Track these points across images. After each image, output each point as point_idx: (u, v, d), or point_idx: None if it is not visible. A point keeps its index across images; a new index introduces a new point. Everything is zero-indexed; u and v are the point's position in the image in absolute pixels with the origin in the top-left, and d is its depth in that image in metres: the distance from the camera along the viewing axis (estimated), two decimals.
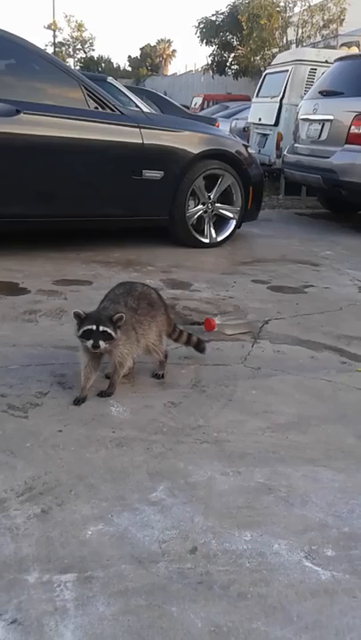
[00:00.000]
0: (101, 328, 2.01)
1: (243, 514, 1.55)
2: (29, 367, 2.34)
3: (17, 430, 1.88)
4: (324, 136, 5.92)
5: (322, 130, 5.96)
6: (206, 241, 4.65)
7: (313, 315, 3.24)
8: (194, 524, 1.49)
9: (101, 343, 2.01)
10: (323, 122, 5.95)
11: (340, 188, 5.59)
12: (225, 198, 4.69)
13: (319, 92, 6.23)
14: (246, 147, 4.91)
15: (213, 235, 4.69)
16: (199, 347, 2.50)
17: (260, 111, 8.82)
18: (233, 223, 4.76)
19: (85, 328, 2.03)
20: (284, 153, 6.75)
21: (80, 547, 1.38)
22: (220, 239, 4.72)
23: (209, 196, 4.59)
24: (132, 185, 4.19)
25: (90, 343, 2.01)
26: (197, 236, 4.60)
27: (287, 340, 2.85)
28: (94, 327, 2.01)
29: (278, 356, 2.66)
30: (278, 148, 7.82)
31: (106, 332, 2.02)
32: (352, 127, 5.53)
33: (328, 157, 5.67)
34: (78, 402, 2.09)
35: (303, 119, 6.39)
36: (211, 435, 1.94)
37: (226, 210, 4.71)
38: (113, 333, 2.03)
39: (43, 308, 3.03)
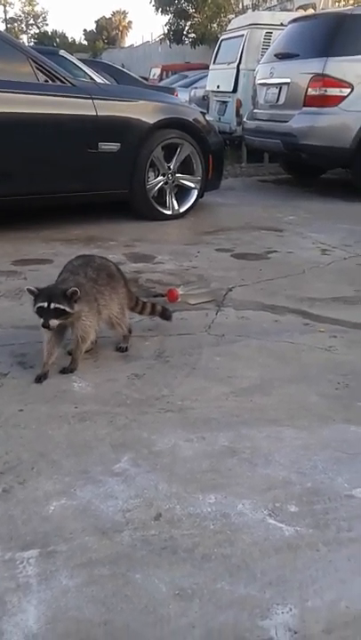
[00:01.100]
0: (53, 305, 1.97)
1: (207, 477, 1.55)
2: None
3: None
4: (282, 100, 5.87)
5: (279, 94, 5.91)
6: (168, 213, 4.60)
7: (276, 279, 3.24)
8: (158, 491, 1.49)
9: (52, 322, 1.98)
10: (280, 85, 5.89)
11: (300, 151, 5.57)
12: (185, 168, 4.63)
13: (275, 56, 6.16)
14: (204, 114, 4.85)
15: (175, 206, 4.64)
16: (165, 314, 2.49)
17: (217, 78, 8.71)
18: (195, 193, 4.71)
19: (38, 305, 2.00)
20: (244, 119, 6.69)
21: (42, 522, 1.37)
22: (182, 210, 4.67)
23: (169, 167, 4.53)
24: (89, 159, 4.10)
25: (41, 322, 1.98)
26: (159, 209, 4.55)
27: (251, 305, 2.85)
28: (46, 304, 1.98)
29: (242, 321, 2.66)
30: (238, 115, 7.75)
31: (58, 308, 1.98)
32: (309, 89, 5.48)
33: (287, 121, 5.63)
34: (40, 379, 2.06)
35: (261, 84, 6.32)
36: (175, 403, 1.94)
37: (187, 180, 4.66)
38: (67, 309, 2.00)
39: (1, 289, 2.98)
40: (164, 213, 4.56)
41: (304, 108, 5.53)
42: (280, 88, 5.90)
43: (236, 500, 1.47)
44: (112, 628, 1.11)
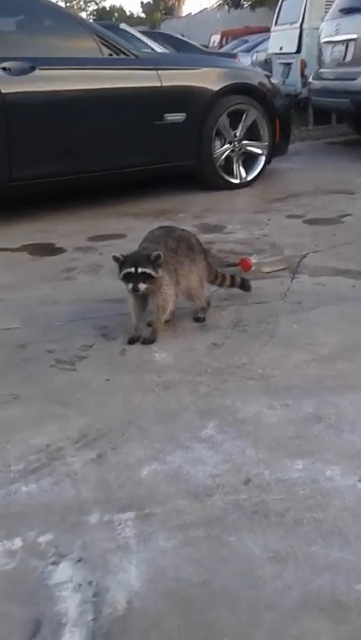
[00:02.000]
0: (140, 270, 2.02)
1: (293, 444, 1.56)
2: (73, 322, 2.37)
3: (67, 383, 1.92)
4: (349, 57, 5.63)
5: (346, 51, 5.66)
6: (236, 181, 4.55)
7: (352, 243, 3.16)
8: (245, 456, 1.51)
9: (141, 285, 2.03)
10: (346, 42, 5.65)
11: None
12: (252, 134, 4.55)
13: (340, 11, 5.89)
14: (269, 77, 4.74)
15: (243, 174, 4.58)
16: (244, 285, 2.50)
17: (280, 40, 8.44)
18: (262, 160, 4.63)
19: (125, 271, 2.05)
20: (310, 80, 6.47)
21: (136, 486, 1.42)
22: (250, 178, 4.60)
23: (235, 134, 4.46)
24: (155, 131, 4.09)
25: (130, 286, 2.03)
26: (227, 178, 4.50)
27: (326, 271, 2.79)
28: (133, 270, 2.03)
29: (318, 288, 2.62)
30: (303, 76, 7.51)
31: (145, 272, 2.03)
32: None
33: (355, 79, 5.40)
34: (132, 341, 2.15)
35: (326, 42, 6.08)
36: (256, 371, 1.94)
37: (254, 146, 4.57)
38: (153, 273, 2.04)
39: (80, 266, 3.05)
40: (231, 182, 4.51)
41: None
42: (347, 45, 5.65)
43: (325, 465, 1.47)
44: (211, 588, 1.15)
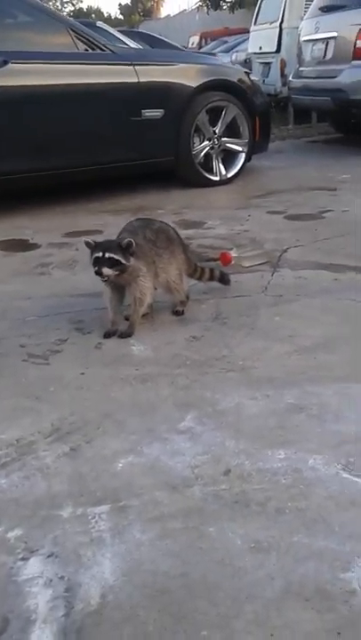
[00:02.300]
0: (107, 255, 1.98)
1: (275, 434, 1.51)
2: (46, 317, 2.30)
3: (39, 377, 1.86)
4: (329, 55, 5.63)
5: (326, 49, 5.67)
6: (216, 179, 4.51)
7: (333, 238, 3.13)
8: (225, 447, 1.46)
9: (105, 270, 1.98)
10: (326, 40, 5.66)
11: (350, 107, 5.35)
12: (231, 131, 4.52)
13: (319, 9, 5.91)
14: (248, 74, 4.71)
15: (223, 171, 4.54)
16: (223, 279, 2.46)
17: (259, 39, 8.45)
18: (242, 157, 4.60)
19: (94, 256, 2.00)
20: (290, 79, 6.48)
21: (112, 479, 1.36)
22: (230, 175, 4.57)
23: (214, 131, 4.43)
24: (133, 127, 4.04)
25: (94, 270, 1.99)
26: (206, 175, 4.46)
27: (308, 265, 2.76)
28: (101, 254, 1.98)
29: (300, 282, 2.58)
30: (283, 75, 7.52)
31: (112, 258, 1.98)
32: (358, 41, 5.25)
33: (336, 77, 5.41)
34: (109, 335, 2.09)
35: (306, 40, 6.08)
36: (236, 363, 1.90)
37: (233, 143, 4.54)
38: (122, 260, 1.99)
39: (55, 261, 2.99)
40: (211, 180, 4.48)
41: (353, 62, 5.31)
42: (327, 43, 5.66)
43: (307, 455, 1.42)
44: (189, 580, 1.09)
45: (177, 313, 2.29)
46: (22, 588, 1.09)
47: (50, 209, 3.99)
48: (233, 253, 2.84)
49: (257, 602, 1.05)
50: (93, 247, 2.03)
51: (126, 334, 2.11)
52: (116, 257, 1.98)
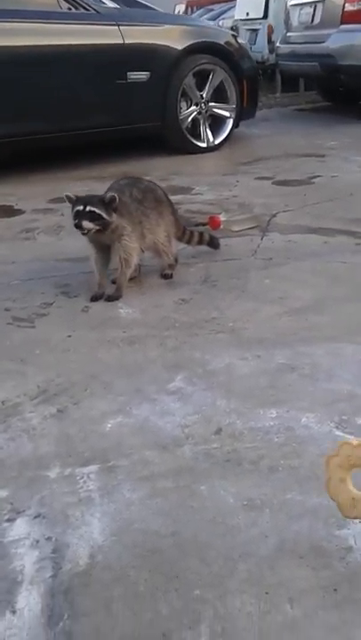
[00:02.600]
0: (88, 208, 1.91)
1: (266, 393, 1.48)
2: (31, 281, 2.24)
3: (24, 340, 1.81)
4: (317, 19, 5.51)
5: (314, 13, 5.54)
6: (203, 145, 4.41)
7: (322, 203, 3.08)
8: (216, 407, 1.42)
9: (86, 224, 1.91)
10: (314, 4, 5.53)
11: (338, 73, 5.24)
12: (219, 96, 4.41)
13: None
14: (235, 37, 4.59)
15: (210, 137, 4.45)
16: (213, 243, 2.41)
17: (246, 6, 8.26)
18: (230, 123, 4.50)
19: (75, 209, 1.94)
20: (277, 44, 6.34)
21: (100, 439, 1.32)
22: (217, 142, 4.48)
23: (201, 95, 4.32)
24: (118, 90, 3.92)
25: (74, 223, 1.92)
26: (194, 141, 4.36)
27: (298, 229, 2.71)
28: (82, 207, 1.92)
29: (290, 245, 2.53)
30: (270, 42, 7.37)
31: (93, 212, 1.92)
32: (346, 5, 5.14)
33: (323, 42, 5.29)
34: (96, 298, 2.05)
35: (293, 5, 5.95)
36: (226, 325, 1.85)
37: (221, 108, 4.44)
38: (104, 214, 1.92)
39: (40, 226, 2.91)
40: (198, 146, 4.38)
41: (341, 26, 5.19)
42: (315, 7, 5.53)
43: (300, 413, 1.39)
44: (180, 539, 1.06)
45: (165, 276, 2.23)
46: (8, 549, 1.06)
47: (34, 176, 3.89)
48: (222, 217, 2.78)
49: (250, 560, 1.02)
50: (74, 201, 1.96)
51: (114, 297, 2.06)
52: (98, 211, 1.92)
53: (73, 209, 1.95)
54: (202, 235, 2.38)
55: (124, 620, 0.92)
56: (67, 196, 1.99)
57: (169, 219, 2.19)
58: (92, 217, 1.91)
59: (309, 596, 0.95)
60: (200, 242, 2.38)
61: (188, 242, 2.35)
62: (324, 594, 0.96)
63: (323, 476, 1.19)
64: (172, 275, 2.23)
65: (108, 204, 1.93)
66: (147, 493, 1.16)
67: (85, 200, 1.94)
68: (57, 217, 3.04)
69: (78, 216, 1.91)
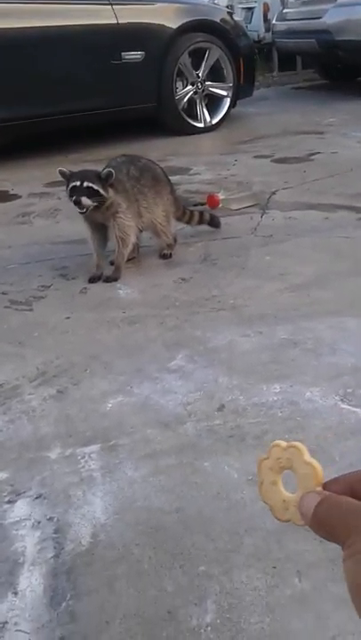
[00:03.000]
0: (86, 184, 1.87)
1: (269, 369, 1.45)
2: (28, 264, 2.21)
3: (23, 323, 1.78)
4: None
5: None
6: (200, 125, 4.35)
7: (323, 179, 3.03)
8: (218, 384, 1.40)
9: (84, 200, 1.87)
10: None
11: (336, 49, 5.15)
12: (215, 76, 4.34)
13: None
14: (231, 14, 4.50)
15: (207, 117, 4.38)
16: (214, 222, 2.38)
17: None
18: (227, 102, 4.44)
19: (71, 185, 1.89)
20: (273, 22, 6.23)
21: (101, 419, 1.30)
22: (214, 122, 4.41)
23: (197, 75, 4.25)
24: (113, 71, 3.86)
25: (72, 199, 1.87)
26: (190, 122, 4.30)
27: (298, 206, 2.67)
28: (78, 183, 1.87)
29: (290, 222, 2.49)
30: (266, 20, 7.23)
31: (91, 187, 1.87)
32: None
33: (320, 17, 5.19)
34: (94, 280, 2.02)
35: None
36: (227, 302, 1.82)
37: (218, 88, 4.38)
38: (101, 190, 1.88)
39: (36, 210, 2.87)
40: (195, 126, 4.32)
41: (339, 1, 5.09)
42: None
43: (304, 388, 1.37)
44: (184, 515, 1.04)
45: (164, 256, 2.20)
46: (9, 531, 1.04)
47: (30, 160, 3.84)
48: (220, 196, 2.74)
49: (257, 534, 1.00)
50: (69, 176, 1.92)
51: (112, 278, 2.03)
52: (95, 187, 1.87)
53: (68, 184, 1.90)
54: (202, 214, 2.35)
55: (128, 599, 0.90)
56: (60, 172, 1.94)
57: (168, 198, 2.15)
58: (91, 193, 1.87)
59: (318, 568, 0.93)
60: (200, 221, 2.34)
61: (189, 222, 2.31)
62: (333, 566, 0.93)
63: (329, 448, 1.17)
64: (170, 254, 2.20)
65: (104, 179, 1.89)
66: (149, 471, 1.14)
67: (81, 175, 1.90)
68: (53, 200, 3.00)
69: (75, 192, 1.87)
